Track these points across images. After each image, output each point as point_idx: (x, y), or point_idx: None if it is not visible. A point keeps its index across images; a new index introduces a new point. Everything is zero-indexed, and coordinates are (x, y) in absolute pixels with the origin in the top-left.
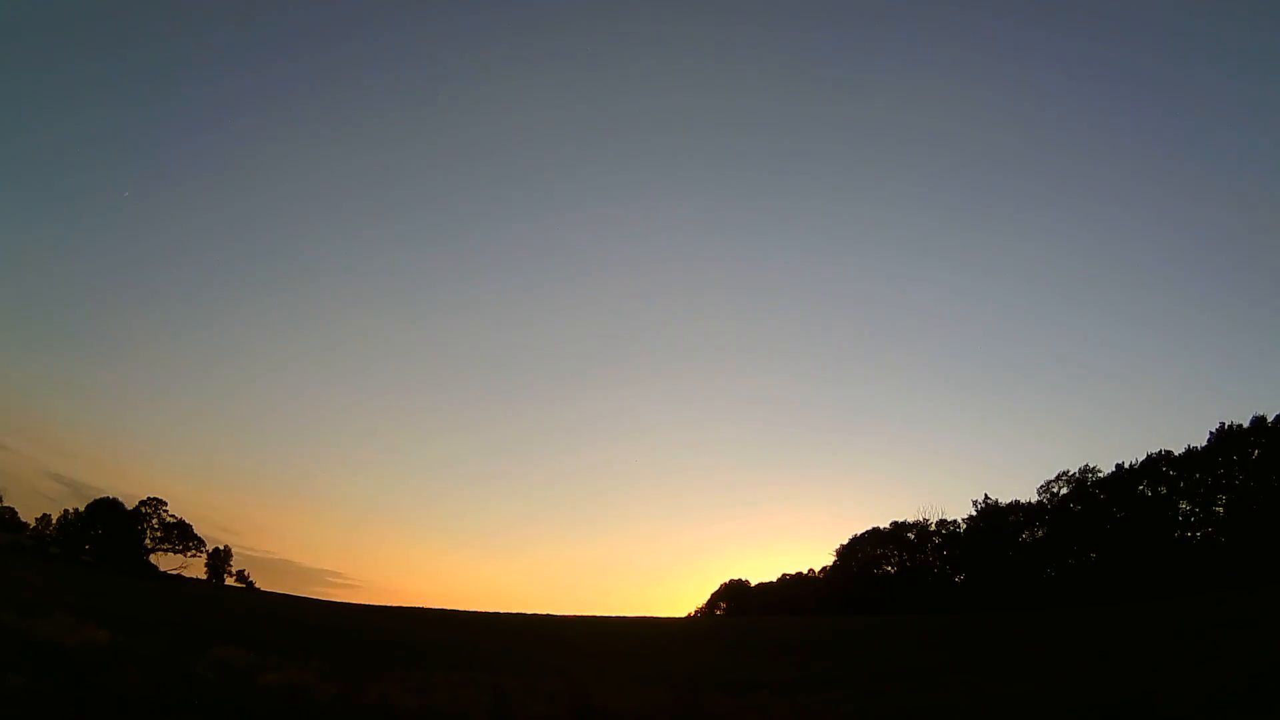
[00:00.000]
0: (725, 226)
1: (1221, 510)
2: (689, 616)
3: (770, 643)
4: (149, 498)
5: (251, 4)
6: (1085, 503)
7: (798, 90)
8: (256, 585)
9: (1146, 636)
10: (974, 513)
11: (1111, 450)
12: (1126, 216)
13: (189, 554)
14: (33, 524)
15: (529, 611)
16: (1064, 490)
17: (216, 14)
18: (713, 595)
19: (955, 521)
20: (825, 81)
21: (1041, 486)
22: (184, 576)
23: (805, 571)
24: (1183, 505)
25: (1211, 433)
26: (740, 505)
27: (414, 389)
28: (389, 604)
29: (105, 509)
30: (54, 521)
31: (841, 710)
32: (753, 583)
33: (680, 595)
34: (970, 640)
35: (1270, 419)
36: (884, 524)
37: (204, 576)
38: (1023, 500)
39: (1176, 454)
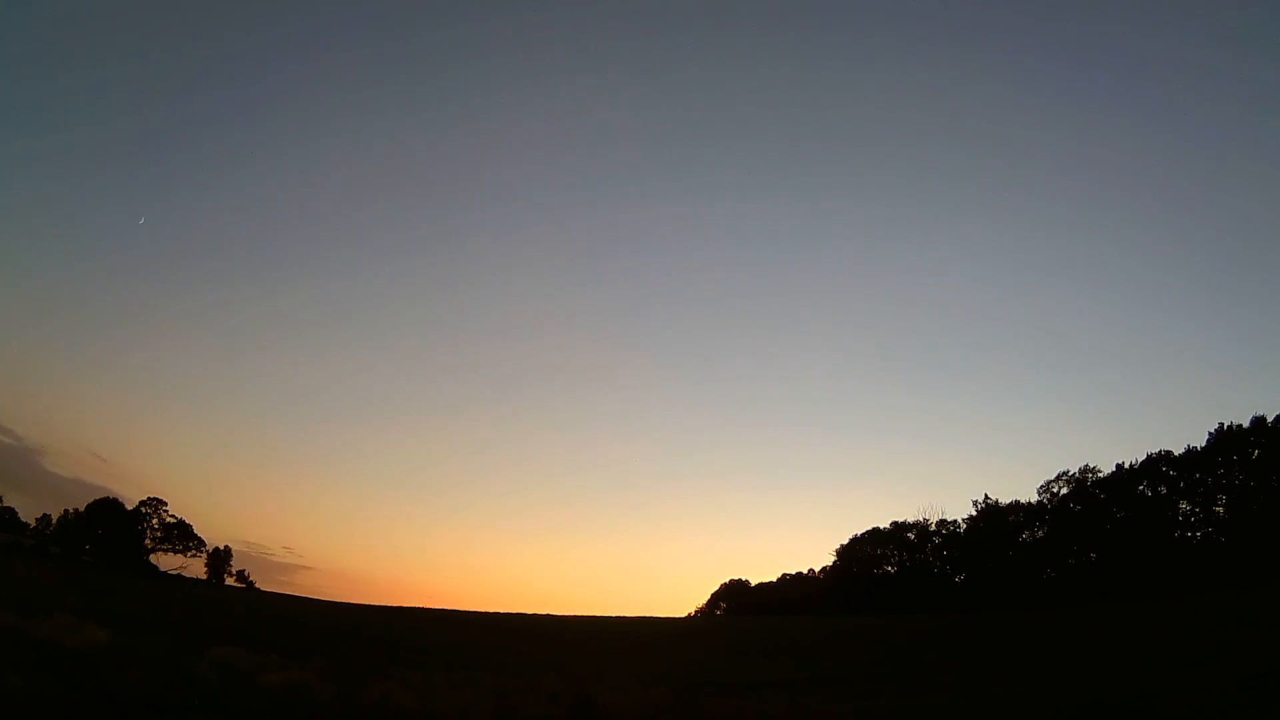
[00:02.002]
0: (727, 228)
1: (1221, 510)
2: (689, 616)
3: (770, 642)
4: (149, 498)
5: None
6: (1085, 503)
7: (801, 93)
8: (256, 585)
9: (1146, 636)
10: (974, 513)
11: (1111, 450)
12: (1126, 216)
13: (189, 554)
14: (33, 524)
15: (529, 611)
16: (1064, 490)
17: (233, 19)
18: (713, 595)
19: (955, 521)
20: (825, 82)
21: (1041, 486)
22: (184, 576)
23: (805, 571)
24: (1183, 505)
25: (1211, 433)
26: (740, 505)
27: (415, 390)
28: (389, 604)
29: (105, 509)
30: (54, 521)
31: (841, 710)
32: (753, 583)
33: (680, 595)
34: (970, 640)
35: (1270, 419)
36: (884, 524)
37: (204, 576)
38: (1023, 500)
39: (1176, 454)
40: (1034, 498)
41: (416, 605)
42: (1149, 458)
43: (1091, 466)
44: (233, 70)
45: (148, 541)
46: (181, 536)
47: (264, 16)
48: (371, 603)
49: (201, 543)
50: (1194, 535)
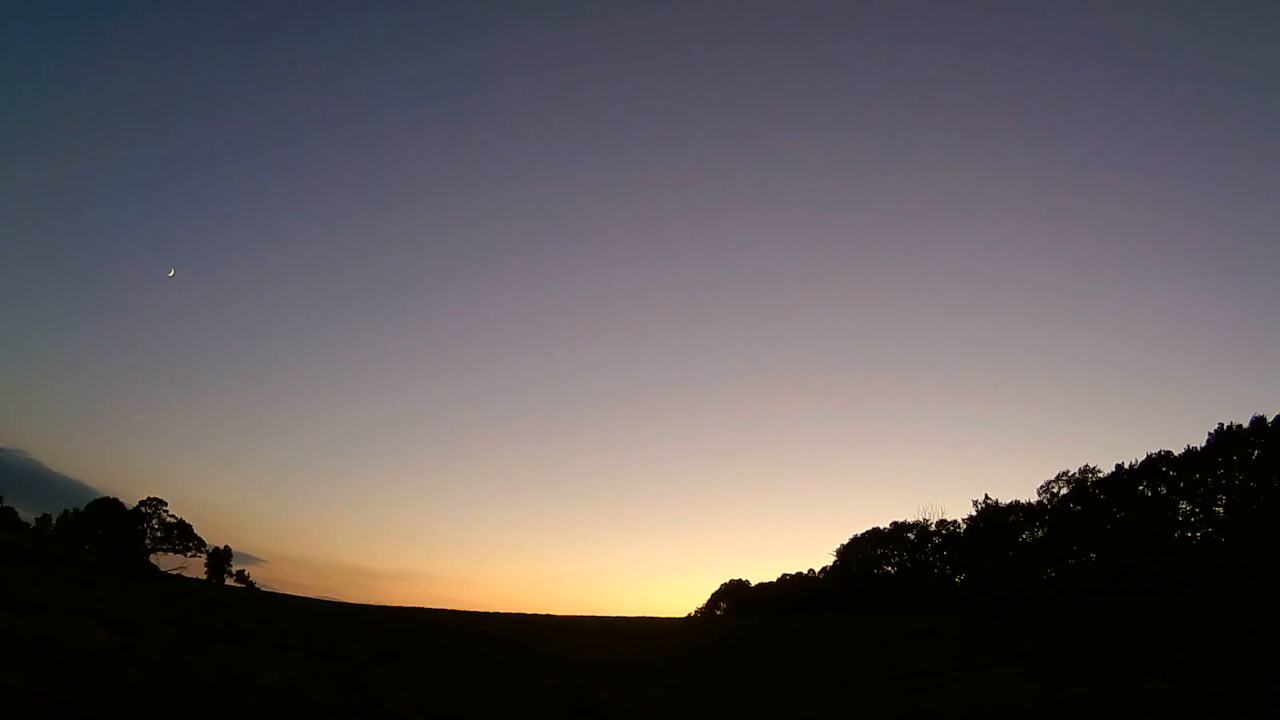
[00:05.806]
0: (721, 228)
1: (1221, 510)
2: (689, 616)
3: (770, 642)
4: (149, 498)
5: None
6: (1085, 503)
7: (795, 102)
8: (256, 585)
9: (1146, 637)
10: (974, 513)
11: (1111, 450)
12: (1125, 216)
13: (189, 554)
14: (33, 524)
15: (529, 611)
16: (1064, 490)
17: (258, 78)
18: (713, 595)
19: (955, 521)
20: (821, 88)
21: (1041, 486)
22: (184, 576)
23: (805, 571)
24: (1183, 505)
25: (1211, 433)
26: (740, 505)
27: (418, 394)
28: (389, 604)
29: (105, 509)
30: (54, 521)
31: (841, 710)
32: (753, 583)
33: (681, 595)
34: (970, 640)
35: (1270, 419)
36: (884, 524)
37: (204, 576)
38: (1023, 500)
39: (1176, 454)
40: (1034, 498)
41: (416, 605)
42: (1149, 458)
43: (1091, 466)
44: (260, 125)
45: (147, 541)
46: (181, 536)
47: (284, 78)
48: (371, 603)
49: (201, 543)
50: (1194, 535)
